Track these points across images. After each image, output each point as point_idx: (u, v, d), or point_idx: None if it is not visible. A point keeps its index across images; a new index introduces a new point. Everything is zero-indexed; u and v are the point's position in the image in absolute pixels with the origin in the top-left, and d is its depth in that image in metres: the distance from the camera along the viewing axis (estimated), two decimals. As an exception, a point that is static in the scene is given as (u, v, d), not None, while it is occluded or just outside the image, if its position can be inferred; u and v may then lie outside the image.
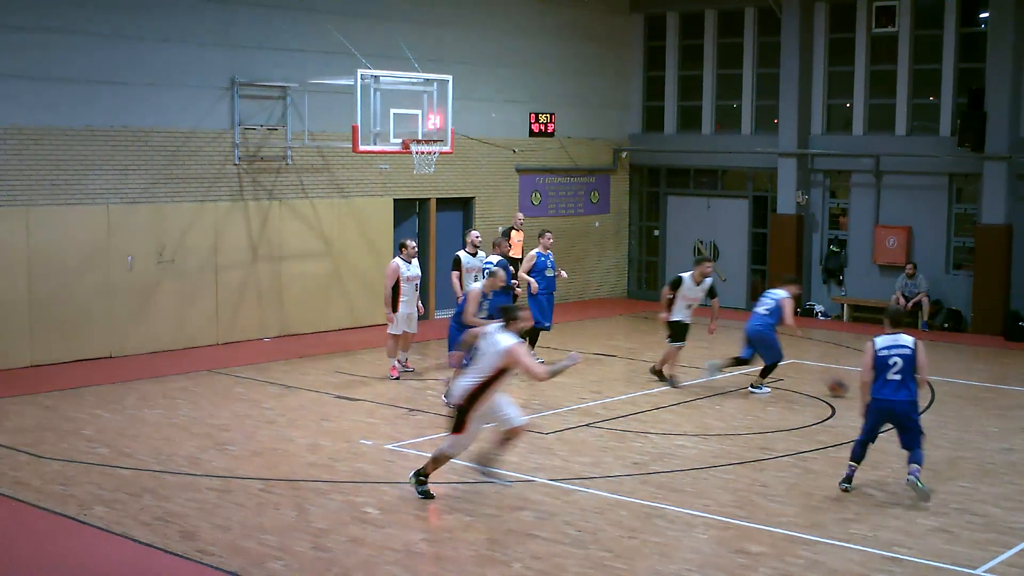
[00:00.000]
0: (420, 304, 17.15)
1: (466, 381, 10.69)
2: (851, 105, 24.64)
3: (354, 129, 17.34)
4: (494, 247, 17.30)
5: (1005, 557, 9.60)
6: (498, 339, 10.63)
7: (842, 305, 24.48)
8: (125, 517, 10.30)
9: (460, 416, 10.70)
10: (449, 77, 18.47)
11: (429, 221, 22.70)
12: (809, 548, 9.71)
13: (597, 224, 26.55)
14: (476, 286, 15.15)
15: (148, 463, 12.11)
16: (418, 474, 10.97)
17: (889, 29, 24.03)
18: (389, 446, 12.97)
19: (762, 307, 16.28)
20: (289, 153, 20.16)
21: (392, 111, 17.88)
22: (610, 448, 13.00)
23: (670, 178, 27.16)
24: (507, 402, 11.01)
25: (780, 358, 16.24)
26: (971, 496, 11.25)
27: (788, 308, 16.04)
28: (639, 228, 27.66)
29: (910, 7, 23.61)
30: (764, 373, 16.28)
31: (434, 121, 18.36)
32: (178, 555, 9.39)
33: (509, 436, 11.01)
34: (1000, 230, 22.44)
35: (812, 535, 10.03)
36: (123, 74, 18.10)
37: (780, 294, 16.24)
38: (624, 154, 27.03)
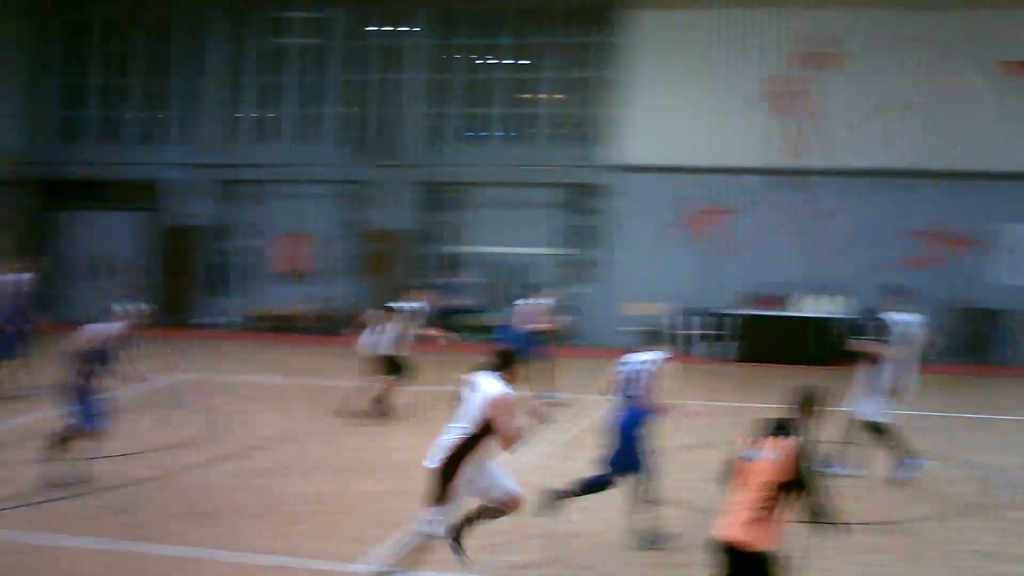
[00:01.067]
0: None
1: (447, 438, 8.43)
2: (245, 116, 24.85)
3: None
4: None
5: (381, 547, 9.78)
6: (484, 385, 8.44)
7: (245, 316, 24.44)
8: None
9: (441, 482, 8.36)
10: None
11: None
12: (199, 565, 9.35)
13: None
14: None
15: None
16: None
17: (286, 40, 24.44)
18: None
19: None
20: None
21: None
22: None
23: (61, 192, 25.56)
24: (499, 470, 8.77)
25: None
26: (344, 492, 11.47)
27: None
28: (31, 246, 25.74)
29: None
30: None
31: None
32: None
33: (504, 509, 8.82)
34: (397, 235, 23.62)
35: (209, 549, 9.65)
36: None
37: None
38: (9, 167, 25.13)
